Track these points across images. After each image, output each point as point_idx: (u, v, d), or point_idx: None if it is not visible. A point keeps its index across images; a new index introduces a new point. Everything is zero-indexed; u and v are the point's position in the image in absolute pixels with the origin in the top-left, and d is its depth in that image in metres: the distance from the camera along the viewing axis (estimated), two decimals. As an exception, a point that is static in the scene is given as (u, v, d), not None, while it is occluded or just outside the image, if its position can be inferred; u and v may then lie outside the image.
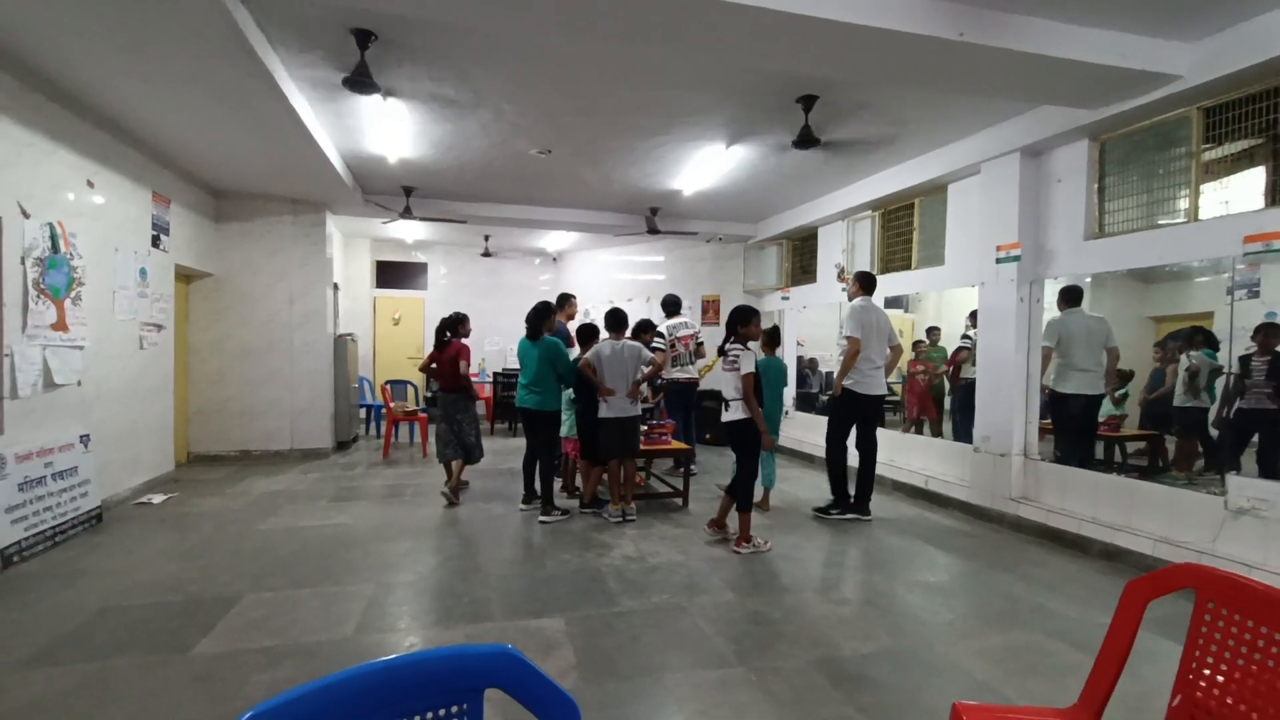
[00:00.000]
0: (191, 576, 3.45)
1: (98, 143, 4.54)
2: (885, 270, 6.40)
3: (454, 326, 5.36)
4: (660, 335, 6.48)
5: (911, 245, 6.05)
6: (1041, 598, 3.33)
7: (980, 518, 4.86)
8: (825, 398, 7.34)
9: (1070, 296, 4.71)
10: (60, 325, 4.13)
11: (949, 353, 6.74)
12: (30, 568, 3.54)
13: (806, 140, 4.51)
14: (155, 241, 5.40)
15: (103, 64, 3.66)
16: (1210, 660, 1.25)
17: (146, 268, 5.25)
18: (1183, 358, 4.51)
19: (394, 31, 3.49)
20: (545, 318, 4.77)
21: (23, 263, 3.77)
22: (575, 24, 3.05)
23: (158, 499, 5.00)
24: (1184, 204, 3.83)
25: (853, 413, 4.81)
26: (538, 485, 4.78)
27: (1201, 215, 3.73)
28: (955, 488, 5.19)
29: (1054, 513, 4.35)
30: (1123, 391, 5.40)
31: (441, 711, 0.82)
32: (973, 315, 6.21)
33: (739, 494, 4.04)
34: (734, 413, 3.99)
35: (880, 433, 6.46)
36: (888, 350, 4.85)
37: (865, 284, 4.94)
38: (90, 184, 4.46)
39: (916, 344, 7.18)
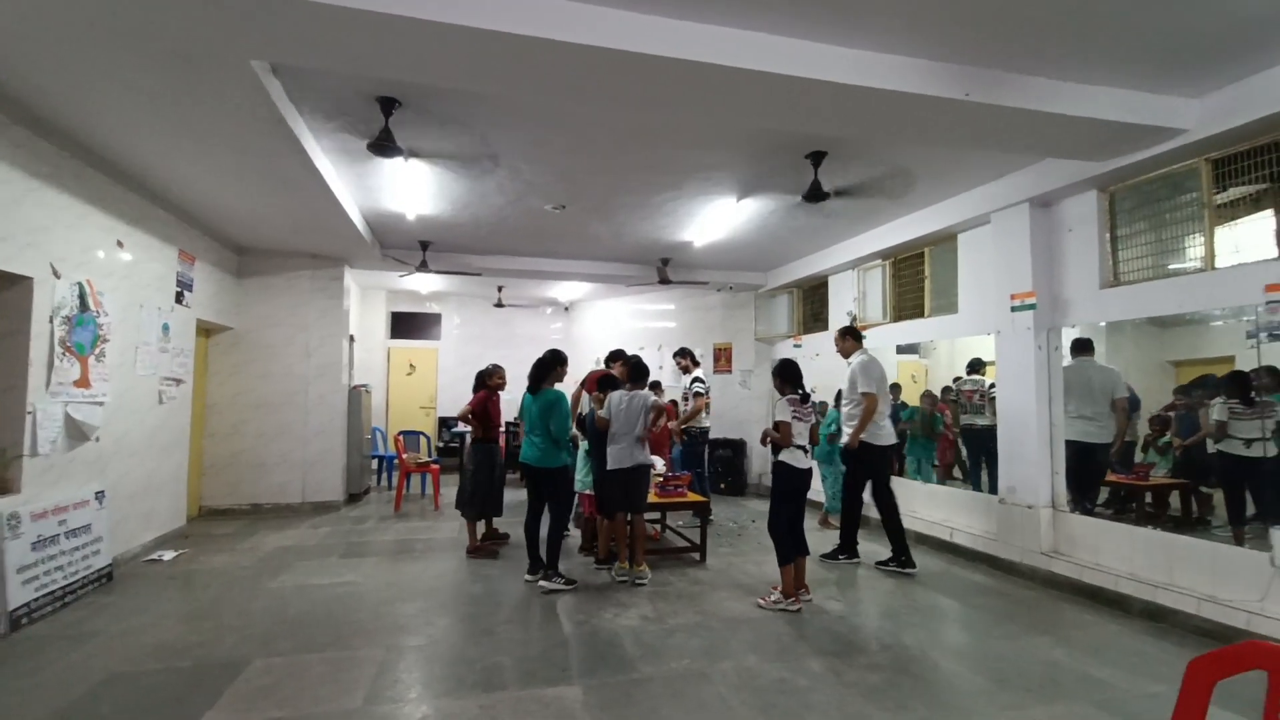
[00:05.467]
0: (200, 639, 3.36)
1: (130, 204, 4.70)
2: (898, 318, 6.39)
3: (486, 378, 5.42)
4: (701, 381, 6.43)
5: (924, 293, 6.06)
6: (1085, 664, 3.15)
7: (1010, 573, 4.68)
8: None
9: (1080, 346, 4.87)
10: (83, 382, 4.18)
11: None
12: (38, 630, 3.47)
13: (816, 194, 4.59)
14: (179, 298, 5.52)
15: (141, 131, 3.83)
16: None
17: (169, 323, 5.35)
18: (1214, 404, 4.39)
19: (417, 98, 3.63)
20: (549, 371, 4.63)
21: (51, 321, 3.86)
22: (586, 92, 3.17)
23: (168, 555, 4.94)
24: (1200, 251, 3.82)
25: (871, 464, 4.88)
26: (542, 552, 4.45)
27: (1218, 263, 3.71)
28: (982, 540, 5.02)
29: (1089, 568, 4.18)
30: (1165, 440, 5.28)
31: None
32: (971, 364, 6.19)
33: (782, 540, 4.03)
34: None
35: (901, 482, 6.32)
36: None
37: (858, 338, 5.16)
38: (120, 244, 4.60)
39: (945, 389, 7.10)
